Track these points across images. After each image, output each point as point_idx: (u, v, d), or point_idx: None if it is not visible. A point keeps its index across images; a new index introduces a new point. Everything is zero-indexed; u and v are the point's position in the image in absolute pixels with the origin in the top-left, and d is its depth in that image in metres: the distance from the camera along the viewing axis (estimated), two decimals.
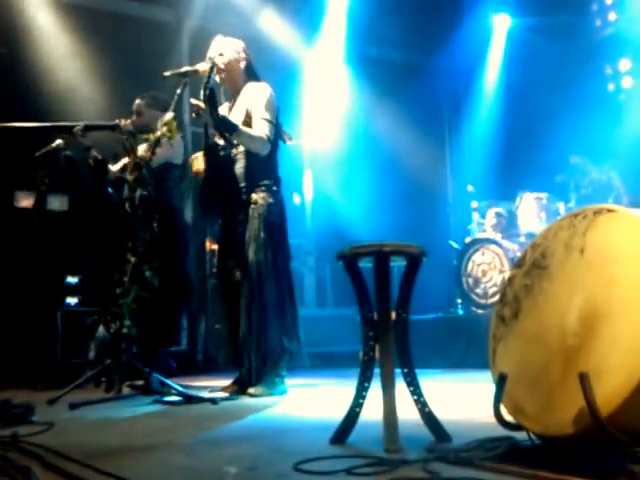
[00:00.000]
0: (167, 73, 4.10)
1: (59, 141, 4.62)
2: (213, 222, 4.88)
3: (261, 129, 4.14)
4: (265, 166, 4.24)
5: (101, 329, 4.72)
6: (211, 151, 4.25)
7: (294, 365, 4.57)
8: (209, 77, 3.94)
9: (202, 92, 3.92)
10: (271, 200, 4.20)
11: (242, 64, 4.37)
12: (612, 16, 8.21)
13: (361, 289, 2.47)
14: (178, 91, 4.05)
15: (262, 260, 4.10)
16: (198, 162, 4.39)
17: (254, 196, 4.19)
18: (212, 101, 3.93)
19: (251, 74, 4.41)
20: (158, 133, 3.93)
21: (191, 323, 6.10)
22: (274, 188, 4.25)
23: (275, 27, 8.08)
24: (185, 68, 4.18)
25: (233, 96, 4.40)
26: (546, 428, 1.95)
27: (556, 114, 7.69)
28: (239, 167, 4.26)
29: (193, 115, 4.11)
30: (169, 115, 3.97)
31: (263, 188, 4.21)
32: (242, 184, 4.24)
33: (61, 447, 2.23)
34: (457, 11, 8.55)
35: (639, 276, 1.84)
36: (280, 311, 4.14)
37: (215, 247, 5.60)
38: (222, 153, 4.27)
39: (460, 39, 8.71)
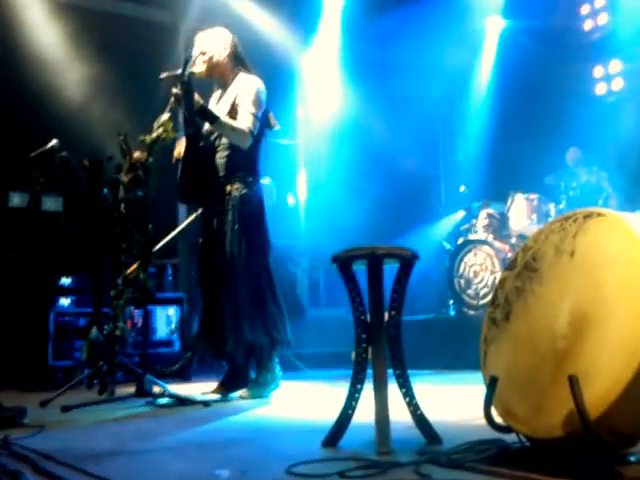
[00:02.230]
0: (163, 75, 4.10)
1: (54, 141, 4.61)
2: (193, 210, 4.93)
3: (244, 122, 4.11)
4: (245, 159, 4.21)
5: (94, 331, 4.72)
6: (192, 140, 4.23)
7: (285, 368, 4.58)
8: (184, 69, 3.93)
9: (179, 84, 3.94)
10: (245, 191, 4.16)
11: (226, 55, 4.33)
12: (602, 18, 8.25)
13: (354, 291, 2.48)
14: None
15: (236, 252, 4.08)
16: (181, 146, 4.39)
17: (229, 187, 4.17)
18: (188, 91, 3.92)
19: (240, 63, 4.36)
20: (154, 135, 3.92)
21: (183, 325, 6.10)
22: (249, 179, 4.21)
23: (271, 28, 8.08)
24: (181, 70, 4.17)
25: (224, 86, 4.37)
26: (536, 430, 1.96)
27: (547, 115, 7.73)
28: (219, 158, 4.24)
29: (172, 104, 4.08)
30: (165, 116, 3.97)
31: (238, 179, 4.18)
32: (220, 175, 4.22)
33: (53, 450, 2.24)
34: (451, 12, 8.55)
35: (628, 280, 1.85)
36: (261, 303, 4.10)
37: None
38: (202, 143, 4.25)
39: (453, 40, 8.72)
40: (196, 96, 4.02)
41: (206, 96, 4.40)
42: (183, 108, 4.03)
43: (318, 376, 5.35)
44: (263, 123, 4.27)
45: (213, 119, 4.06)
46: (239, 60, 4.37)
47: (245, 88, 4.23)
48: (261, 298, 4.11)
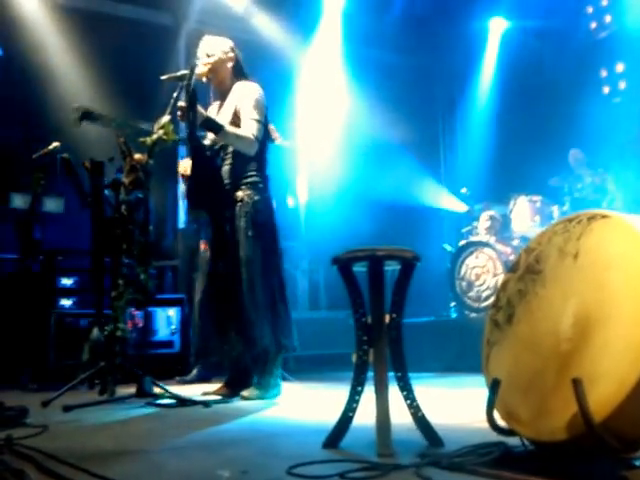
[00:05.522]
0: (164, 77, 4.10)
1: (56, 143, 4.61)
2: (201, 219, 4.93)
3: (249, 129, 4.13)
4: (253, 165, 4.22)
5: (95, 331, 4.72)
6: (198, 151, 4.25)
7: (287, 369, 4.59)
8: (190, 79, 3.95)
9: (184, 95, 3.94)
10: (257, 197, 4.17)
11: (230, 64, 4.35)
12: (607, 19, 8.24)
13: (355, 293, 2.48)
14: (175, 94, 4.05)
15: (251, 258, 4.09)
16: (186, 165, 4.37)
17: (240, 194, 4.18)
18: (193, 103, 3.94)
19: (239, 73, 4.38)
20: (154, 136, 3.92)
21: (184, 326, 6.09)
22: (260, 186, 4.23)
23: (270, 29, 8.08)
24: (182, 71, 4.17)
25: (222, 96, 4.39)
26: (539, 434, 1.96)
27: (550, 116, 7.72)
28: (226, 165, 4.25)
29: (178, 118, 4.10)
30: (165, 118, 3.97)
31: (249, 186, 4.19)
32: (228, 182, 4.22)
33: (55, 450, 2.23)
34: (452, 14, 8.55)
35: (632, 282, 1.84)
36: (272, 308, 4.12)
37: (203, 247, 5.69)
38: (209, 153, 4.27)
39: (455, 42, 8.72)
40: (200, 108, 4.03)
41: (204, 106, 4.42)
42: (187, 120, 4.04)
43: (319, 378, 5.35)
44: (266, 129, 4.28)
45: (218, 129, 4.07)
46: (240, 72, 4.39)
47: (245, 95, 4.24)
48: (272, 302, 4.13)
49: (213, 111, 4.40)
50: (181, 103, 4.03)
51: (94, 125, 4.29)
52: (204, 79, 4.25)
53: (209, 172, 4.24)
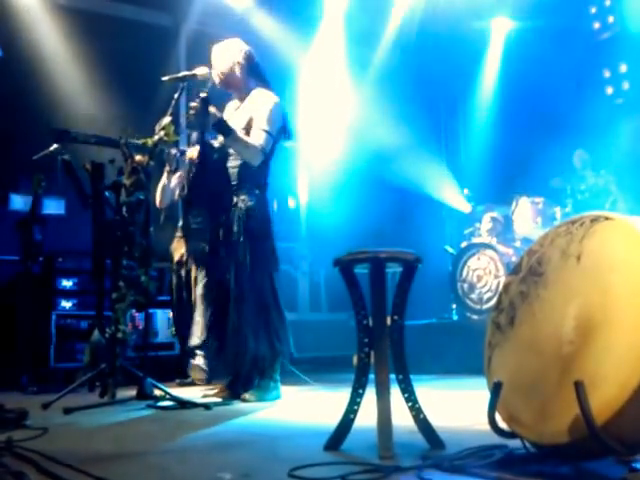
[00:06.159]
0: (165, 78, 4.09)
1: (57, 145, 4.61)
2: (200, 220, 4.96)
3: (257, 139, 4.12)
4: (254, 171, 4.21)
5: (96, 333, 4.71)
6: (206, 152, 4.24)
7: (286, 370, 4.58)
8: (203, 99, 3.96)
9: (198, 101, 3.95)
10: (251, 203, 4.16)
11: (239, 70, 4.30)
12: (611, 19, 8.21)
13: (357, 295, 2.47)
14: (175, 95, 4.04)
15: (241, 263, 4.09)
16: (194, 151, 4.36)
17: (235, 199, 4.18)
18: (205, 107, 3.93)
19: (255, 76, 4.33)
20: (155, 137, 3.92)
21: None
22: (256, 191, 4.21)
23: (270, 29, 8.07)
24: (183, 73, 4.17)
25: (240, 99, 4.37)
26: (541, 436, 1.95)
27: (553, 117, 7.71)
28: (231, 167, 4.25)
29: (187, 117, 4.09)
30: (167, 119, 3.96)
31: (245, 191, 4.19)
32: (229, 184, 4.23)
33: (55, 452, 2.23)
34: (455, 14, 8.52)
35: (635, 285, 1.83)
36: (265, 314, 4.12)
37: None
38: (216, 156, 4.27)
39: (457, 42, 8.70)
40: (213, 109, 4.01)
41: (223, 101, 4.41)
42: (197, 122, 4.03)
43: (320, 380, 5.34)
44: (277, 138, 4.26)
45: (228, 132, 4.05)
46: (254, 73, 4.34)
47: (260, 105, 4.21)
48: (265, 309, 4.12)
49: (231, 109, 4.40)
50: (193, 103, 4.01)
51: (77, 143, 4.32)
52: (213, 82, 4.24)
53: (213, 174, 4.24)
